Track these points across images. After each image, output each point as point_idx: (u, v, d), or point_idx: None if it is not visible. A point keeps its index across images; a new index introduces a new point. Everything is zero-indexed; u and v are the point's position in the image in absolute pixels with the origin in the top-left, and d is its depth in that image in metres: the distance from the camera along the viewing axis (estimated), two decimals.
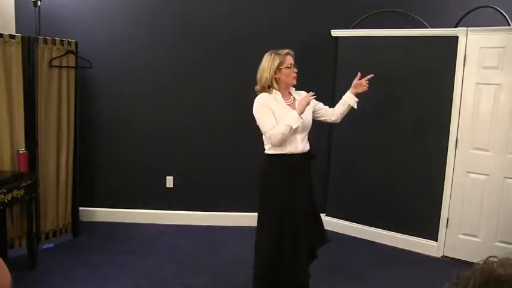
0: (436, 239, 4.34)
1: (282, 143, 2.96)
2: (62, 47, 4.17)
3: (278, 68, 3.01)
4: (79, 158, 4.46)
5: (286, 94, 3.11)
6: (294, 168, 3.04)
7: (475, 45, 4.02)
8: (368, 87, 3.40)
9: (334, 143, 4.88)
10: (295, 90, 3.21)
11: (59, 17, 4.57)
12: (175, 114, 4.82)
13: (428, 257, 4.29)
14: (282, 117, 2.94)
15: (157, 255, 4.12)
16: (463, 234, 4.22)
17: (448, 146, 4.21)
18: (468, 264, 4.09)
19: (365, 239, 4.69)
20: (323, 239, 3.28)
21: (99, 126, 4.83)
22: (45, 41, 4.02)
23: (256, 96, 3.08)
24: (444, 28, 4.16)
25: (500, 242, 4.05)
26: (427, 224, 4.37)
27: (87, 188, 4.80)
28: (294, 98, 3.13)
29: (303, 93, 3.16)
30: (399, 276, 3.84)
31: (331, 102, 4.71)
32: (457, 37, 4.08)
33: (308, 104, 2.98)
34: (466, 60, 4.06)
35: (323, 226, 3.35)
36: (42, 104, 4.04)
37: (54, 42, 4.10)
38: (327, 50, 4.76)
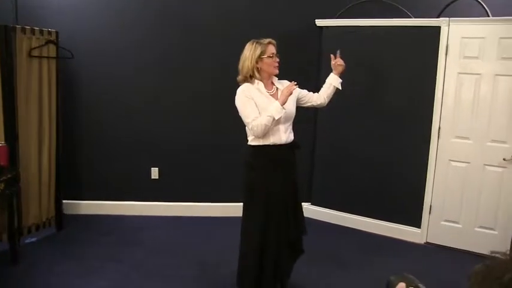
0: (419, 226, 4.44)
1: (265, 134, 2.94)
2: (41, 37, 4.07)
3: (260, 57, 2.97)
4: (62, 150, 4.38)
5: (269, 84, 3.07)
6: (277, 159, 3.02)
7: (456, 35, 4.08)
8: (345, 66, 3.39)
9: (319, 132, 4.91)
10: (278, 80, 3.17)
11: (38, 6, 4.45)
12: (159, 105, 4.77)
13: (412, 243, 4.39)
14: (265, 108, 2.91)
15: (144, 247, 4.10)
16: (445, 220, 4.33)
17: (430, 134, 4.29)
18: (450, 249, 4.21)
19: (349, 227, 4.75)
20: (303, 230, 3.26)
21: (82, 117, 4.75)
22: (23, 31, 3.91)
23: (238, 86, 3.05)
24: (427, 18, 4.21)
25: (480, 227, 4.17)
26: (410, 212, 4.46)
27: (71, 180, 4.72)
28: (277, 88, 3.08)
29: (286, 82, 3.12)
30: (383, 263, 3.91)
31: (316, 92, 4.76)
32: (439, 27, 4.13)
33: (290, 94, 2.95)
34: (448, 50, 4.13)
35: (303, 218, 3.32)
36: (22, 95, 3.94)
37: (33, 31, 3.99)
38: (311, 39, 4.77)
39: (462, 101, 4.14)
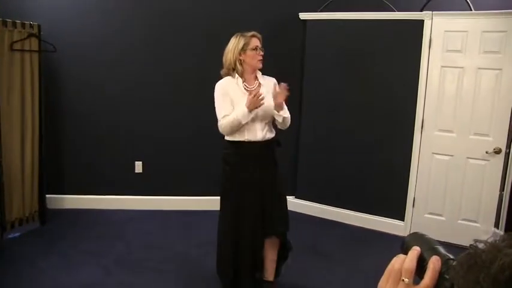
0: (402, 219, 4.47)
1: (234, 132, 2.91)
2: (23, 30, 4.02)
3: (243, 50, 2.93)
4: (45, 144, 4.35)
5: (252, 79, 3.01)
6: (251, 155, 2.97)
7: (439, 29, 4.10)
8: (288, 92, 2.92)
9: (303, 126, 4.92)
10: (262, 74, 3.08)
11: None
12: (143, 98, 4.75)
13: (396, 236, 4.42)
14: (239, 104, 2.87)
15: (127, 241, 4.09)
16: (429, 213, 4.36)
17: (414, 127, 4.31)
18: None
19: (333, 220, 4.77)
20: (287, 227, 3.15)
21: (65, 111, 4.71)
22: (4, 24, 3.86)
23: (220, 79, 3.02)
24: (410, 12, 4.22)
25: (463, 220, 4.21)
26: (394, 205, 4.49)
27: (55, 174, 4.69)
28: (259, 84, 3.01)
29: (271, 79, 3.05)
30: (367, 256, 3.94)
31: (299, 88, 4.77)
32: (423, 21, 4.15)
33: (257, 107, 2.81)
34: (431, 44, 4.14)
35: (287, 216, 3.16)
36: (4, 89, 3.90)
37: (15, 24, 3.94)
38: (294, 33, 4.76)
39: (445, 94, 4.16)
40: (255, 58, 2.95)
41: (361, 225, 4.64)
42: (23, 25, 4.03)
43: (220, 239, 3.12)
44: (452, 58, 4.09)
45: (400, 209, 4.46)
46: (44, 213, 4.40)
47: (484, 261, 0.60)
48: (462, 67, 4.06)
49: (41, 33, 4.19)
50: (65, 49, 4.47)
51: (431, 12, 4.11)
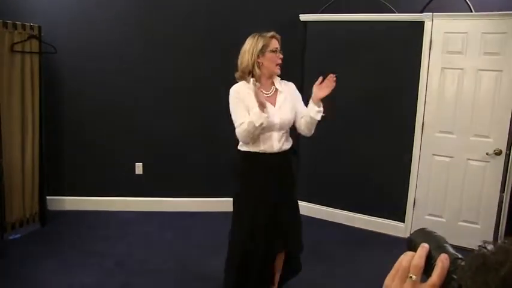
0: (403, 221, 4.46)
1: (253, 140, 2.69)
2: (24, 32, 4.03)
3: (261, 51, 2.68)
4: (45, 146, 4.35)
5: (268, 84, 2.78)
6: (267, 168, 2.76)
7: (440, 30, 4.10)
8: (336, 83, 2.78)
9: None
10: (281, 80, 2.86)
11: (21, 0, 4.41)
12: (144, 100, 4.75)
13: (397, 237, 4.41)
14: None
15: (128, 242, 4.09)
16: (429, 214, 4.36)
17: (414, 129, 4.31)
18: None
19: (334, 222, 4.77)
20: (298, 246, 3.00)
21: (66, 113, 4.71)
22: (5, 25, 3.87)
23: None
24: (410, 13, 4.22)
25: (463, 221, 4.20)
26: (395, 206, 4.49)
27: (55, 176, 4.69)
28: (276, 89, 2.79)
29: (290, 84, 2.88)
30: (367, 257, 3.93)
31: (300, 89, 4.75)
32: (423, 22, 4.15)
33: (262, 104, 2.57)
34: (432, 45, 4.14)
35: (300, 233, 3.00)
36: (4, 90, 3.90)
37: (15, 26, 3.95)
38: (295, 34, 4.76)
39: (446, 95, 4.16)
40: (274, 61, 2.72)
41: (361, 227, 4.64)
42: (24, 27, 4.03)
43: (230, 253, 2.95)
44: (452, 59, 4.09)
45: (400, 211, 4.46)
46: (45, 215, 4.40)
47: (493, 263, 0.60)
48: (462, 68, 4.06)
49: (42, 34, 4.20)
50: (66, 51, 4.47)
51: (431, 13, 4.11)
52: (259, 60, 2.69)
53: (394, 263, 0.75)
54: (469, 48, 4.00)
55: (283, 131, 2.78)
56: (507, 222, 3.98)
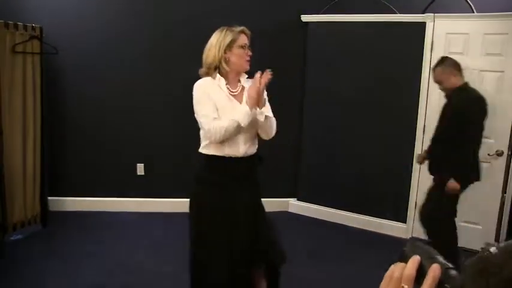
0: (404, 221, 4.46)
1: (220, 142, 2.45)
2: (25, 32, 4.03)
3: (229, 46, 2.47)
4: (47, 146, 4.35)
5: (235, 82, 2.55)
6: (232, 175, 2.50)
7: (441, 31, 4.10)
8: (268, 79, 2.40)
9: (305, 127, 4.91)
10: (247, 78, 2.62)
11: (22, 0, 4.41)
12: (144, 100, 4.75)
13: (398, 238, 4.41)
14: (224, 110, 2.44)
15: (129, 243, 4.09)
16: None
17: (416, 130, 4.31)
18: None
19: (335, 223, 4.77)
20: (280, 256, 2.65)
21: (67, 113, 4.71)
22: (6, 26, 3.86)
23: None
24: (412, 14, 4.22)
25: (464, 222, 4.18)
26: (396, 207, 4.49)
27: (56, 177, 4.69)
28: (243, 87, 2.55)
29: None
30: (369, 258, 3.92)
31: (301, 92, 4.77)
32: (425, 23, 4.15)
33: (258, 94, 2.34)
34: (433, 46, 4.14)
35: (278, 240, 2.69)
36: (6, 91, 3.90)
37: (16, 27, 3.94)
38: (296, 35, 4.76)
39: None
40: (242, 57, 2.50)
41: (362, 227, 4.64)
42: (25, 27, 4.03)
43: (196, 276, 2.60)
44: None
45: (401, 212, 4.45)
46: (46, 216, 4.40)
47: (495, 266, 0.60)
48: (464, 69, 4.05)
49: (43, 35, 4.19)
50: (67, 51, 4.47)
51: (433, 14, 4.11)
52: (226, 56, 2.49)
53: (395, 263, 0.77)
54: (471, 49, 4.00)
55: (250, 133, 2.52)
56: (508, 223, 3.98)
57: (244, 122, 2.37)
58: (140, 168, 4.86)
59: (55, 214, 4.59)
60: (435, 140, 3.59)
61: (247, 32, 2.56)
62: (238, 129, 2.40)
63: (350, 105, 4.61)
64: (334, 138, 4.75)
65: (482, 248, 0.65)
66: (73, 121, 4.73)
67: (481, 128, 3.37)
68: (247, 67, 2.54)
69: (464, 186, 3.44)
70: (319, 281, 3.57)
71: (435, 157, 3.58)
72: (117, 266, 3.65)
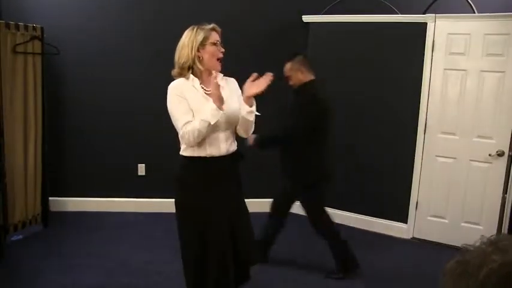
0: (406, 222, 4.46)
1: (200, 143, 2.42)
2: (26, 33, 4.03)
3: (202, 44, 2.45)
4: (48, 147, 4.35)
5: (209, 80, 2.46)
6: (215, 175, 2.48)
7: (442, 31, 4.10)
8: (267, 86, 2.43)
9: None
10: (223, 76, 2.60)
11: (23, 0, 4.40)
12: (146, 100, 4.74)
13: (399, 238, 4.41)
14: (199, 110, 2.39)
15: (130, 244, 4.09)
16: (432, 216, 4.35)
17: (417, 130, 4.31)
18: (436, 244, 4.24)
19: (337, 223, 4.75)
20: (253, 256, 2.68)
21: (68, 114, 4.72)
22: (7, 26, 3.86)
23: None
24: (413, 15, 4.22)
25: (466, 222, 4.20)
26: (397, 208, 4.48)
27: (57, 177, 4.69)
28: (219, 85, 2.44)
29: (233, 81, 2.62)
30: (370, 258, 3.92)
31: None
32: (426, 23, 4.15)
33: (217, 89, 2.31)
34: (434, 46, 4.15)
35: (253, 241, 2.72)
36: (7, 92, 3.90)
37: (17, 27, 3.95)
38: (297, 36, 4.75)
39: (448, 97, 4.16)
40: (215, 55, 2.47)
41: (363, 228, 4.64)
42: (26, 27, 4.03)
43: (186, 277, 2.62)
44: (455, 61, 4.09)
45: (403, 212, 4.45)
46: (47, 216, 4.40)
47: (473, 268, 0.61)
48: (465, 70, 4.06)
49: (44, 35, 4.20)
50: (68, 51, 4.47)
51: (434, 14, 4.11)
52: (199, 55, 2.47)
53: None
54: (472, 50, 4.00)
55: (229, 130, 2.52)
56: (509, 223, 3.98)
57: (212, 120, 2.33)
58: (141, 169, 4.85)
59: (56, 214, 4.60)
60: (281, 137, 3.52)
61: (218, 29, 2.55)
62: (211, 128, 2.37)
63: (350, 105, 4.61)
64: (334, 138, 4.74)
65: (460, 248, 0.68)
66: (74, 121, 4.73)
67: (321, 128, 3.43)
68: (219, 68, 2.51)
69: (306, 188, 3.50)
70: (319, 280, 3.56)
71: (283, 156, 3.57)
72: (118, 266, 3.65)
